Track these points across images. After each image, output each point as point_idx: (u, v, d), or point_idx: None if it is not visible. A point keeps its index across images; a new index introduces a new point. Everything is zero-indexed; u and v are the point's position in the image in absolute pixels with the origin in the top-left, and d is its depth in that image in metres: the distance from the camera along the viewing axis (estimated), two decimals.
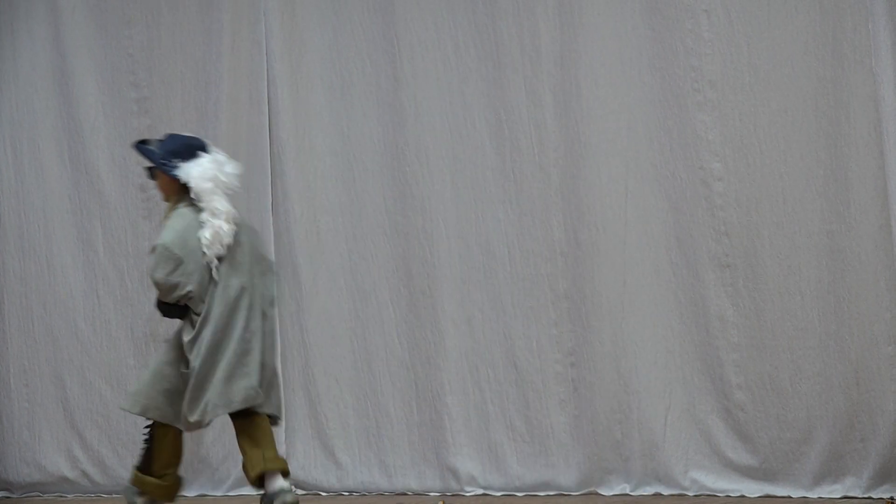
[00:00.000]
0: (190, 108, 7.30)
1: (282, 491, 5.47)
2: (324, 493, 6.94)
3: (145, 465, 5.63)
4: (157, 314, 6.66)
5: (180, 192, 5.66)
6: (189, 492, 7.06)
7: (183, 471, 6.68)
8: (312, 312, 7.04)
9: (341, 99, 7.09)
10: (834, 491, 6.15)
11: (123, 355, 7.33)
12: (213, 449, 7.13)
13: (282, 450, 6.89)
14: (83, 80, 7.44)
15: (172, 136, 5.84)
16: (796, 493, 6.19)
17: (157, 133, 7.14)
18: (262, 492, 5.56)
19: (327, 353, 7.00)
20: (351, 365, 6.97)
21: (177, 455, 5.67)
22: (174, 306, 5.59)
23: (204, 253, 5.52)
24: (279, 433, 6.77)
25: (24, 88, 7.49)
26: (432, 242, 6.90)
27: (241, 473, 6.58)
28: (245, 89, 7.16)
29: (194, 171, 5.60)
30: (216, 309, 5.52)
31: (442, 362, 6.83)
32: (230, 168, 5.71)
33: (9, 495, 7.25)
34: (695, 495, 6.34)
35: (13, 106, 6.94)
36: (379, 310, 6.96)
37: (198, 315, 5.54)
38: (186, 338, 5.54)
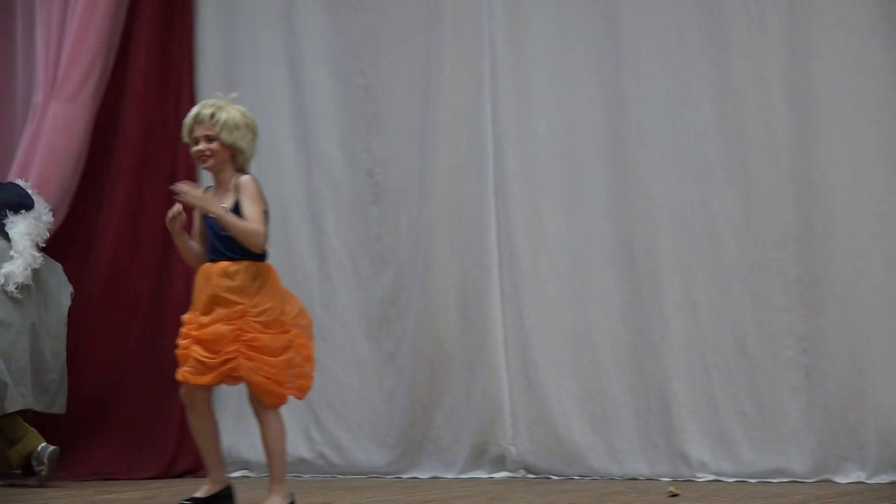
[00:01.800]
0: (414, 94, 7.30)
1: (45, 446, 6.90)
2: (555, 477, 6.93)
3: None
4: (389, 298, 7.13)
5: None
6: (420, 473, 7.17)
7: (413, 452, 7.10)
8: (532, 298, 6.99)
9: (563, 82, 7.01)
10: None
11: (357, 339, 7.39)
12: (443, 431, 7.15)
13: (507, 434, 6.94)
14: (315, 67, 7.51)
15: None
16: None
17: (382, 121, 7.34)
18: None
19: (548, 338, 6.94)
20: (572, 350, 6.90)
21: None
22: None
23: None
24: (503, 417, 6.92)
25: (262, 76, 7.60)
26: (655, 227, 6.79)
27: (471, 455, 6.93)
28: (466, 74, 7.13)
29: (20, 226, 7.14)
30: None
31: (667, 348, 6.73)
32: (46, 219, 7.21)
33: (248, 474, 7.41)
34: None
35: (252, 94, 6.98)
36: (602, 295, 6.88)
37: None
38: None
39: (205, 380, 5.14)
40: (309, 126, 7.51)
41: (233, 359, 5.08)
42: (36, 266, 7.20)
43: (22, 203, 7.33)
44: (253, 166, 5.33)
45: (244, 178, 5.18)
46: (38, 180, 7.57)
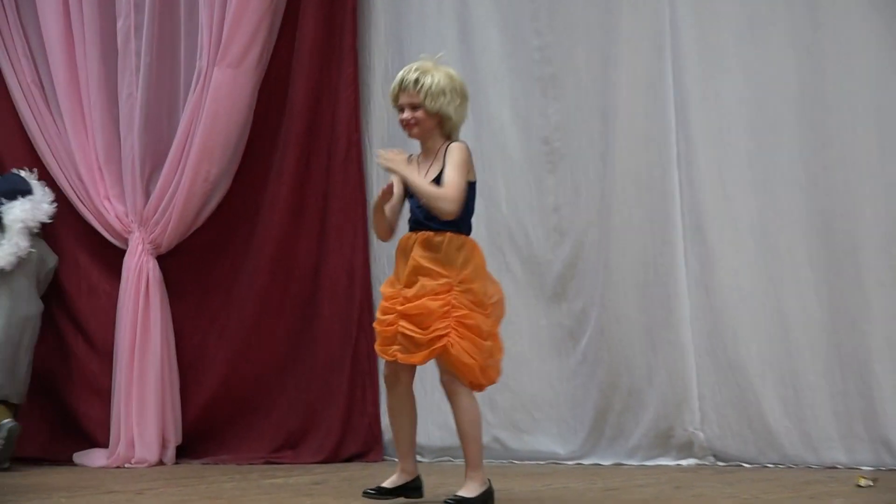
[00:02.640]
0: (593, 55, 6.95)
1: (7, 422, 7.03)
2: (746, 465, 6.56)
3: None
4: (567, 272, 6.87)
5: None
6: (602, 459, 6.91)
7: (595, 436, 6.82)
8: (719, 273, 6.61)
9: (751, 42, 6.59)
10: None
11: (533, 316, 7.11)
12: (626, 415, 6.86)
13: (694, 418, 6.62)
14: (486, 28, 7.23)
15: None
16: None
17: (558, 84, 7.01)
18: None
19: (736, 316, 6.57)
20: (763, 329, 6.51)
21: None
22: None
23: None
24: (690, 400, 6.61)
25: (429, 37, 7.35)
26: (855, 197, 6.33)
27: (655, 441, 6.65)
28: (647, 34, 6.78)
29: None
30: None
31: (867, 326, 6.27)
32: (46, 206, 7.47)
33: (420, 459, 7.06)
34: None
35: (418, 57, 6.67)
36: (795, 270, 6.46)
37: None
38: None
39: (416, 359, 4.92)
40: (479, 90, 7.16)
41: (444, 335, 4.86)
42: (23, 255, 7.38)
43: (17, 189, 7.55)
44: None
45: (453, 145, 5.01)
46: (200, 149, 7.46)
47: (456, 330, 4.87)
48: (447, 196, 4.86)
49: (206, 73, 7.45)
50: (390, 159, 4.93)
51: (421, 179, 4.91)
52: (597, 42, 6.94)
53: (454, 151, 4.96)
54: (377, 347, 5.03)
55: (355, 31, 7.51)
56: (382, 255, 7.44)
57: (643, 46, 6.79)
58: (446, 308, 4.87)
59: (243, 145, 7.62)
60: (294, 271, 7.59)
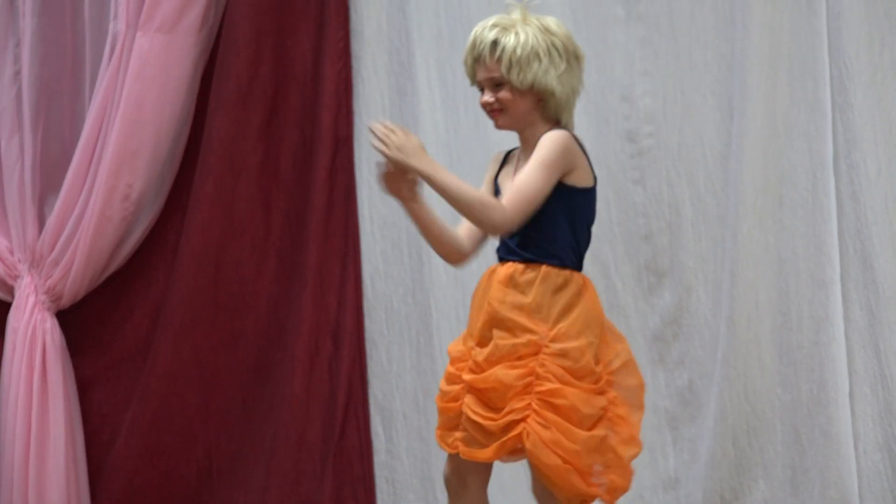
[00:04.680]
0: (705, 7, 5.49)
1: None
2: None
3: None
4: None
5: None
6: None
7: None
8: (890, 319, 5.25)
9: None
10: None
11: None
12: None
13: None
14: None
15: None
16: None
17: (654, 54, 5.59)
18: None
19: None
20: None
21: None
22: None
23: None
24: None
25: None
26: None
27: None
28: None
29: None
30: None
31: None
32: None
33: None
34: None
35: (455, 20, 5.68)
36: None
37: None
38: None
39: (482, 454, 4.07)
40: None
41: (519, 421, 4.03)
42: None
43: None
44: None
45: (546, 135, 4.08)
46: (118, 151, 6.15)
47: (538, 413, 4.03)
48: (494, 205, 3.98)
49: (123, 39, 6.03)
50: (392, 142, 3.99)
51: (447, 175, 3.99)
52: None
53: (543, 143, 4.07)
54: (437, 433, 4.25)
55: None
56: (380, 306, 6.07)
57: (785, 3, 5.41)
58: (528, 380, 4.05)
59: (181, 148, 6.22)
60: (252, 330, 6.27)
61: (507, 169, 4.16)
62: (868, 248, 5.29)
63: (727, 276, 5.42)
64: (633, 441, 4.15)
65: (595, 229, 5.60)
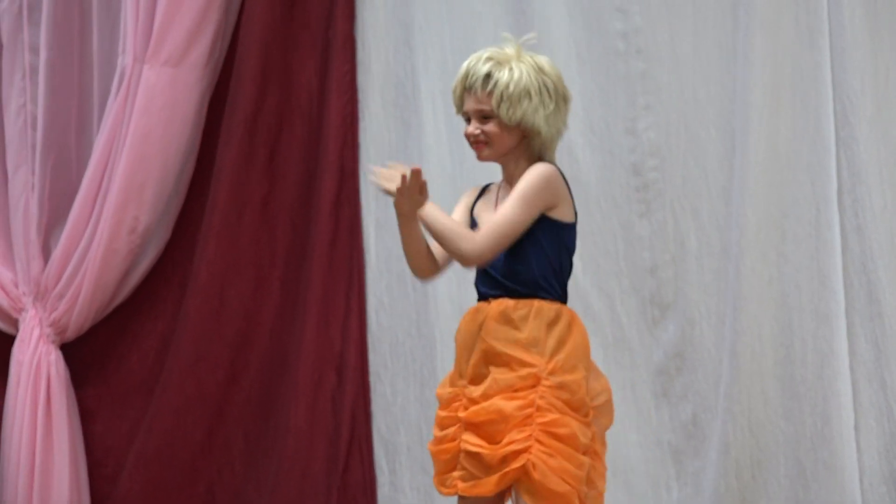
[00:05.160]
0: (706, 41, 5.43)
1: None
2: None
3: None
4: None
5: None
6: None
7: None
8: None
9: None
10: None
11: (623, 426, 5.46)
12: None
13: None
14: (547, 5, 5.73)
15: None
16: None
17: (655, 87, 5.52)
18: None
19: None
20: None
21: None
22: None
23: None
24: None
25: (461, 21, 5.86)
26: None
27: None
28: (792, 11, 5.35)
29: None
30: None
31: None
32: None
33: None
34: None
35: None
36: None
37: None
38: None
39: (484, 488, 4.01)
40: None
41: (522, 451, 3.98)
42: None
43: None
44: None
45: (535, 167, 4.09)
46: (125, 184, 6.19)
47: (541, 443, 4.00)
48: (465, 235, 4.01)
49: (131, 73, 6.04)
50: (390, 178, 4.08)
51: (434, 210, 4.04)
52: (712, 23, 5.45)
53: (527, 176, 4.08)
54: (434, 480, 4.18)
55: (353, 14, 6.05)
56: (384, 339, 6.02)
57: (787, 29, 5.32)
58: (528, 411, 4.02)
59: (187, 180, 6.21)
60: (256, 362, 6.23)
61: (486, 200, 4.17)
62: (874, 281, 5.22)
63: (730, 310, 5.36)
64: (603, 478, 4.14)
65: (601, 262, 5.65)
